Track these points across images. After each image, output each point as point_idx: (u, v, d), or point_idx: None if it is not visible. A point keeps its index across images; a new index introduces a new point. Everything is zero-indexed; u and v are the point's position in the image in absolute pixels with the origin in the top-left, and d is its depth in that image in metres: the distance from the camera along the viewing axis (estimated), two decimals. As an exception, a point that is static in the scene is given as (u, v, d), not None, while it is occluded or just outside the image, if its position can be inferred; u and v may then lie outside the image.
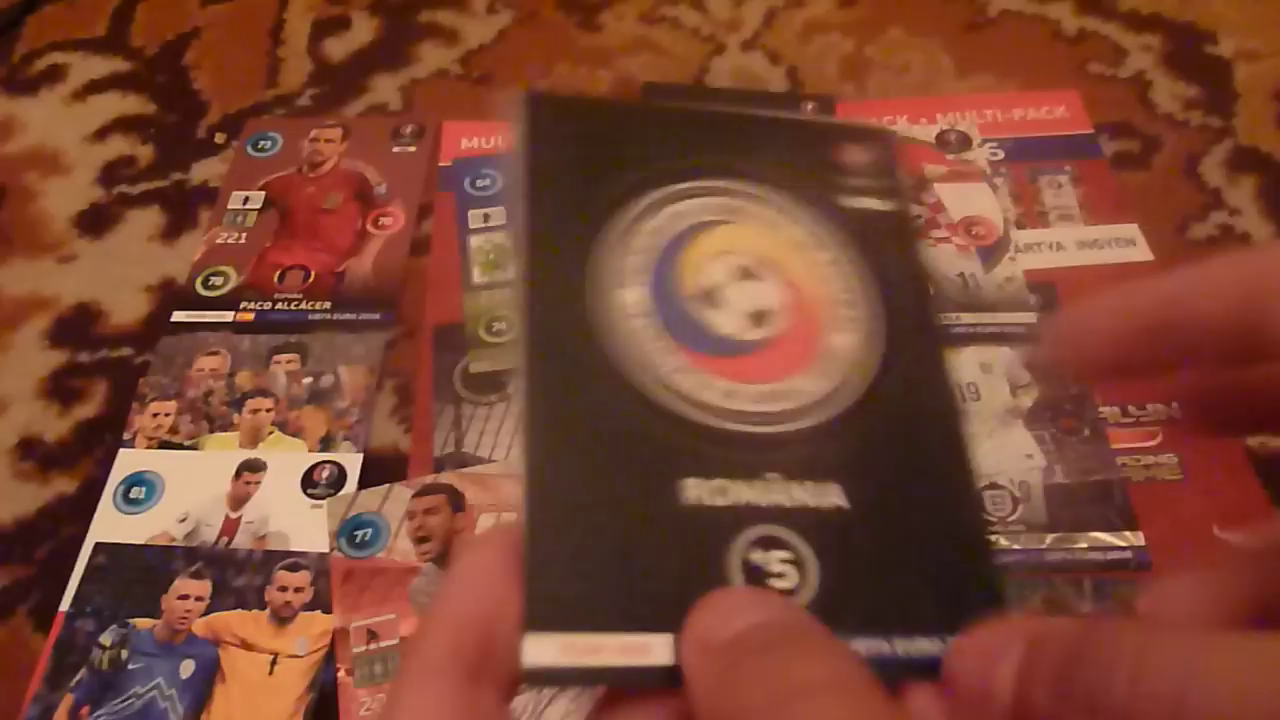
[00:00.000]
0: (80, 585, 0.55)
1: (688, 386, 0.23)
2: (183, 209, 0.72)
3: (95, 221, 0.72)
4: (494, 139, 0.74)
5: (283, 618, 0.54)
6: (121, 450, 0.60)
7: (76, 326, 0.66)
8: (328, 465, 0.59)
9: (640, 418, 0.22)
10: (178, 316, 0.66)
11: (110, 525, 0.58)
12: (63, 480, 0.60)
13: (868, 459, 0.23)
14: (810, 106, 0.74)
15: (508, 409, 0.60)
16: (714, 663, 0.19)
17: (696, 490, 0.22)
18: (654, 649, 0.20)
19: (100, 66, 0.82)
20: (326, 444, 0.60)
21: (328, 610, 0.54)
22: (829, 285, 0.26)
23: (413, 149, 0.74)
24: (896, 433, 0.24)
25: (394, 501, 0.57)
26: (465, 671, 0.20)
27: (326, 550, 0.56)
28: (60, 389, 0.64)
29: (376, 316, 0.65)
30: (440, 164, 0.73)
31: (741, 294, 0.25)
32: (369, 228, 0.70)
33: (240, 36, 0.83)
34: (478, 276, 0.66)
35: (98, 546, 0.57)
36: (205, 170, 0.74)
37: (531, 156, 0.24)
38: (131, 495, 0.59)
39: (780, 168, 0.26)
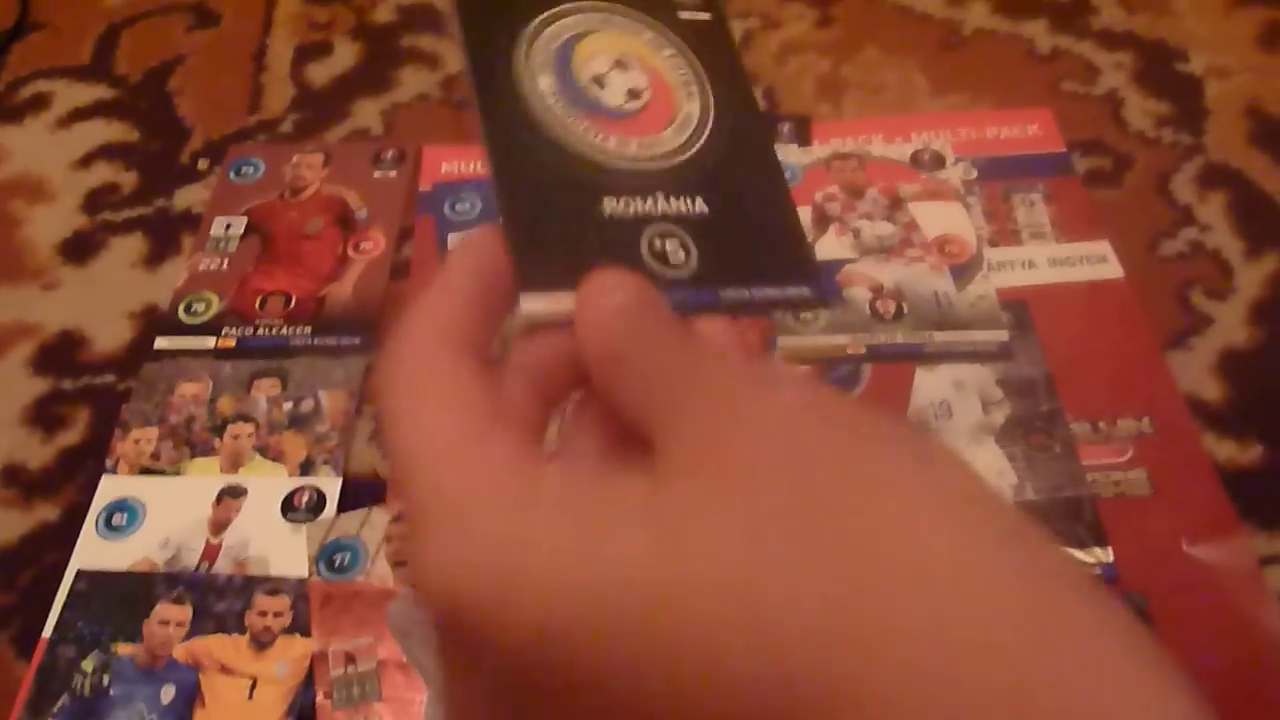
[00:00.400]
0: (62, 611, 0.56)
1: (594, 140, 0.34)
2: (166, 235, 0.73)
3: (79, 248, 0.72)
4: (474, 164, 0.75)
5: (262, 642, 0.55)
6: (104, 477, 0.61)
7: (60, 354, 0.67)
8: (308, 490, 0.60)
9: (567, 162, 0.33)
10: (160, 343, 0.67)
11: (92, 552, 0.58)
12: (45, 507, 0.61)
13: (717, 179, 0.34)
14: (786, 127, 0.75)
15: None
16: (603, 320, 0.26)
17: (611, 205, 0.32)
18: None
19: (84, 94, 0.83)
20: (306, 468, 0.61)
21: (307, 634, 0.54)
22: (675, 72, 0.37)
23: (393, 174, 0.75)
24: (734, 161, 0.35)
25: (372, 525, 0.58)
26: (480, 293, 0.27)
27: (306, 575, 0.56)
28: (44, 416, 0.64)
29: (357, 341, 0.66)
30: (421, 189, 0.74)
31: (619, 78, 0.37)
32: (350, 253, 0.70)
33: (223, 62, 0.84)
34: (456, 300, 0.67)
35: (80, 573, 0.57)
36: (188, 196, 0.75)
37: (461, 5, 0.35)
38: (113, 522, 0.59)
39: None
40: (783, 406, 0.24)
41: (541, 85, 0.35)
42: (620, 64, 0.37)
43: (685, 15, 0.39)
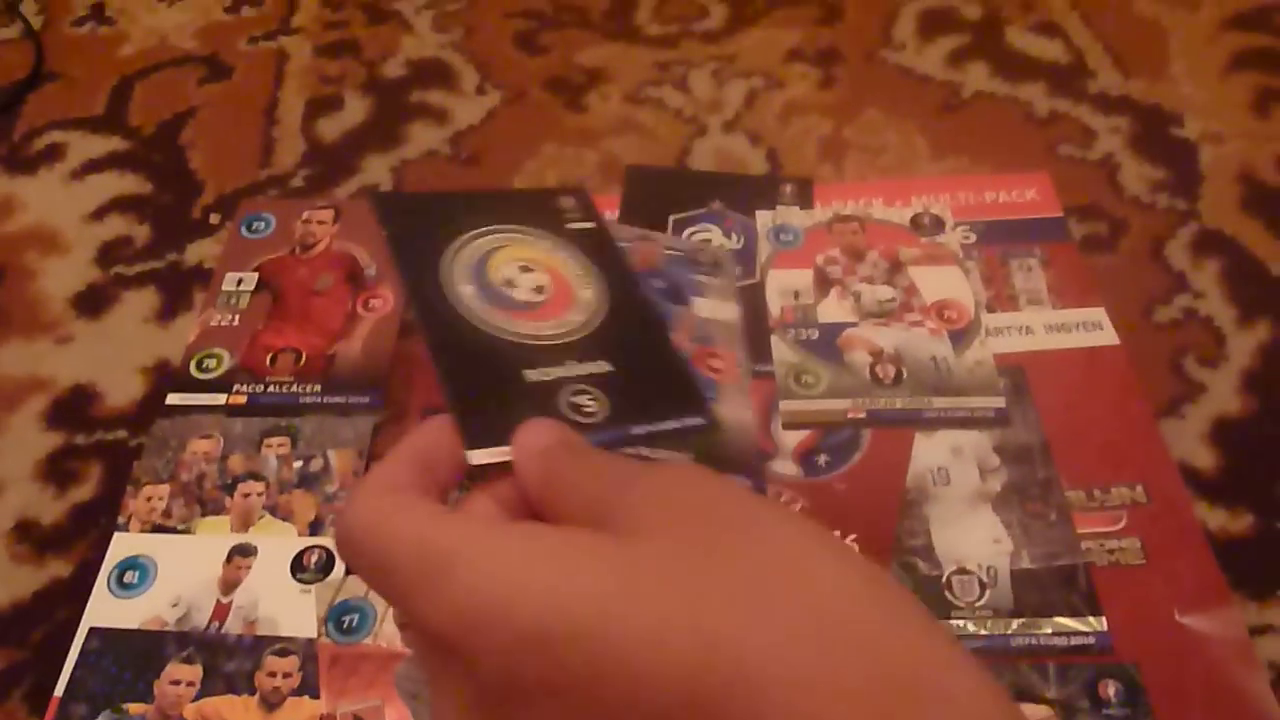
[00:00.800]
0: (74, 670, 0.57)
1: (510, 327, 0.43)
2: (178, 290, 0.74)
3: (92, 302, 0.74)
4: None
5: (272, 703, 0.55)
6: (116, 534, 0.62)
7: (73, 408, 0.68)
8: (317, 550, 0.61)
9: (493, 344, 0.42)
10: (172, 399, 0.68)
11: (104, 609, 0.59)
12: (58, 563, 0.62)
13: (615, 344, 0.43)
14: (788, 189, 0.77)
15: (492, 493, 0.62)
16: (536, 459, 0.35)
17: (532, 375, 0.41)
18: None
19: (98, 146, 0.84)
20: (315, 528, 0.62)
21: (316, 695, 0.55)
22: (570, 269, 0.48)
23: (402, 230, 0.76)
24: (625, 327, 0.45)
25: (381, 586, 0.59)
26: (416, 478, 0.34)
27: (315, 635, 0.57)
28: (57, 471, 0.65)
29: (366, 400, 0.67)
30: (429, 246, 0.75)
31: (526, 278, 0.47)
32: (359, 310, 0.72)
33: (235, 116, 0.86)
34: (464, 360, 0.68)
35: (92, 631, 0.58)
36: (200, 251, 0.76)
37: (391, 230, 0.47)
38: (125, 579, 0.60)
39: (530, 215, 0.50)
40: (683, 480, 0.32)
41: (464, 291, 0.45)
42: (526, 268, 0.48)
43: (573, 226, 0.52)
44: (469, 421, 0.37)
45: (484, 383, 0.41)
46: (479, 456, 0.36)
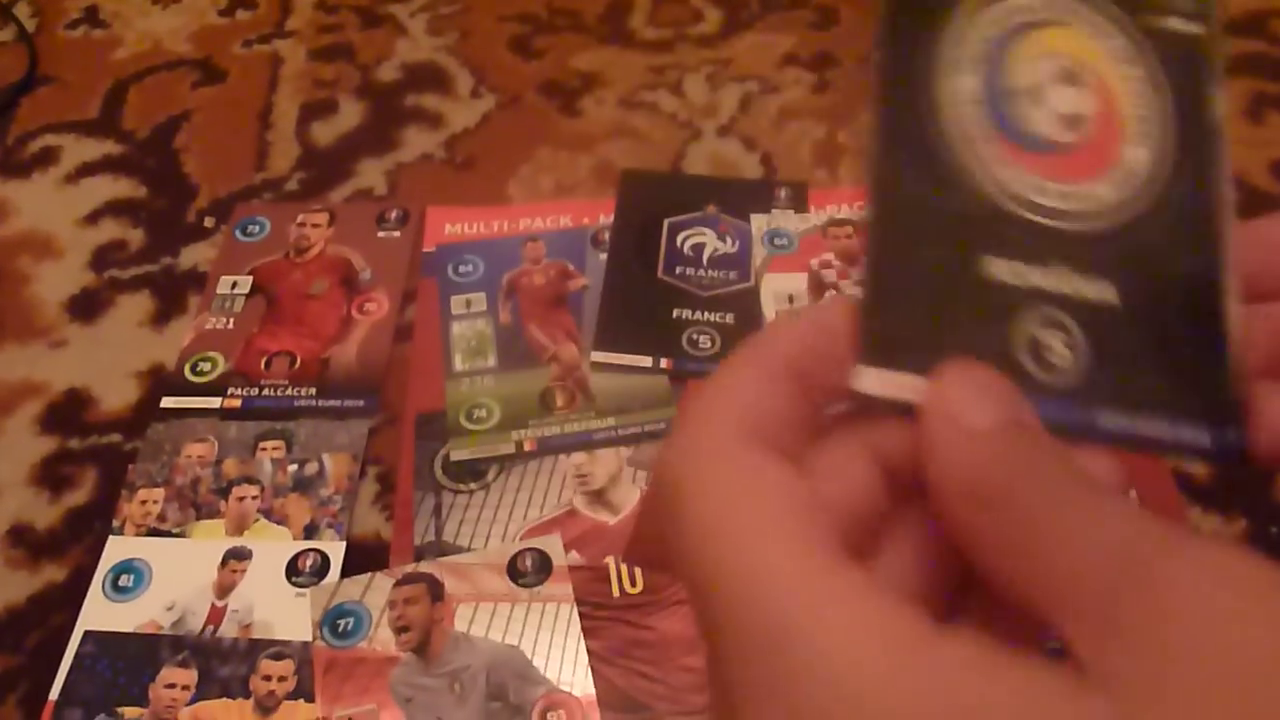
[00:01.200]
0: (69, 674, 0.57)
1: (1003, 176, 0.26)
2: (172, 294, 0.74)
3: (86, 306, 0.74)
4: (477, 225, 0.76)
5: (266, 707, 0.55)
6: (111, 538, 0.62)
7: (67, 413, 0.68)
8: (311, 554, 0.61)
9: (960, 196, 0.26)
10: (167, 403, 0.68)
11: (99, 613, 0.59)
12: (52, 568, 0.61)
13: (1141, 266, 0.26)
14: (783, 193, 0.77)
15: (485, 498, 0.62)
16: (976, 446, 0.21)
17: (996, 267, 0.25)
18: None
19: (92, 149, 0.84)
20: (310, 532, 0.62)
21: (311, 699, 0.55)
22: (1134, 99, 0.28)
23: (397, 234, 0.76)
24: (1167, 250, 0.26)
25: (375, 591, 0.59)
26: (792, 373, 0.23)
27: (309, 639, 0.57)
28: (51, 476, 0.65)
29: (360, 403, 0.67)
30: (424, 249, 0.75)
31: (1060, 97, 0.28)
32: (354, 314, 0.72)
33: (229, 119, 0.86)
34: (459, 364, 0.68)
35: (87, 635, 0.58)
36: (194, 255, 0.76)
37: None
38: (120, 583, 0.60)
39: None
40: (1243, 618, 0.18)
41: (963, 84, 0.28)
42: (1069, 76, 0.29)
43: (1172, 24, 0.30)
44: (877, 312, 0.24)
45: (922, 256, 0.26)
46: (873, 381, 0.24)
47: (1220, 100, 0.28)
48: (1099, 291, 0.26)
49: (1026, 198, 0.26)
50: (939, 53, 0.27)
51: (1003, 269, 0.25)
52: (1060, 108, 0.28)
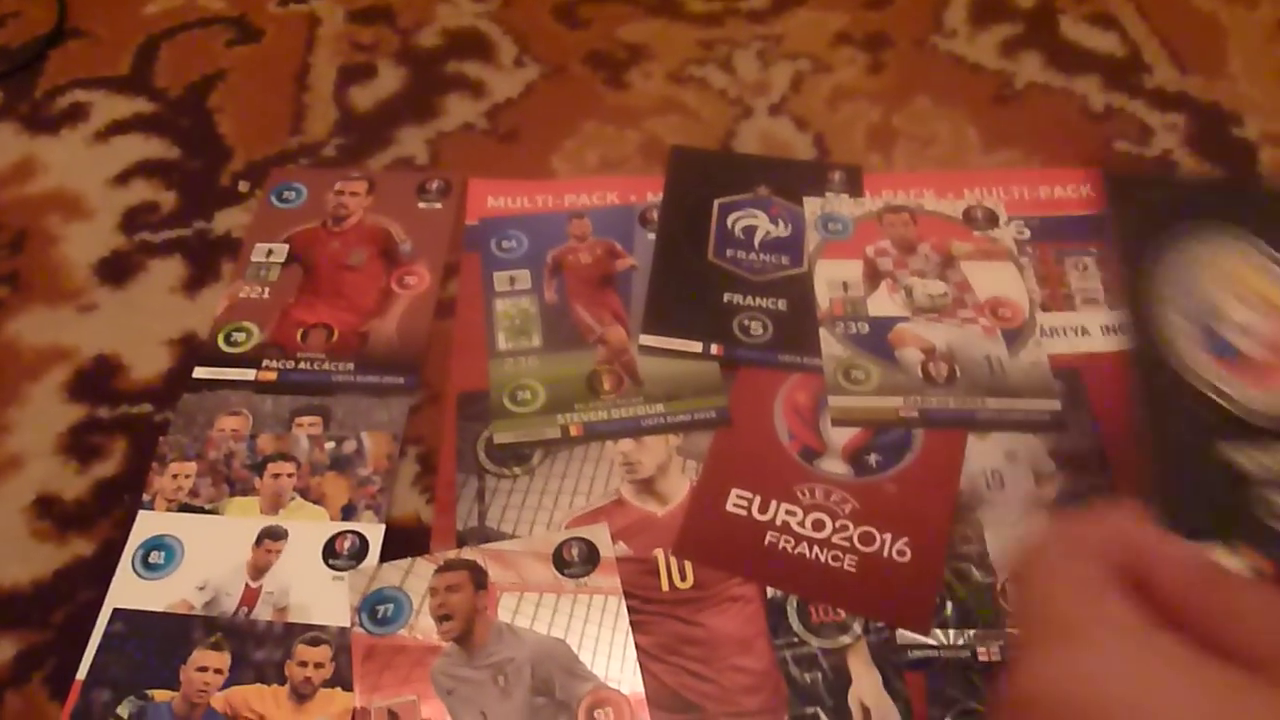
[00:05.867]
0: (97, 653, 0.55)
1: (1215, 380, 0.36)
2: (205, 260, 0.72)
3: (116, 270, 0.71)
4: (521, 199, 0.74)
5: (302, 694, 0.54)
6: (141, 512, 0.60)
7: (96, 380, 0.66)
8: (350, 535, 0.59)
9: (1192, 399, 0.36)
10: (199, 373, 0.65)
11: (128, 590, 0.57)
12: (80, 542, 0.59)
13: None
14: (837, 177, 0.74)
15: (530, 483, 0.60)
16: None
17: (1228, 451, 0.35)
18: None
19: (123, 107, 0.82)
20: (348, 513, 0.60)
21: (348, 688, 0.53)
22: None
23: (438, 206, 0.74)
24: None
25: (416, 576, 0.57)
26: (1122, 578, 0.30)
27: (347, 625, 0.55)
28: (79, 445, 0.63)
29: (400, 380, 0.65)
30: (466, 222, 0.73)
31: (1256, 323, 0.38)
32: (393, 287, 0.69)
33: (265, 81, 0.83)
34: (503, 343, 0.66)
35: (116, 613, 0.56)
36: (228, 220, 0.74)
37: (1119, 225, 0.40)
38: (150, 560, 0.58)
39: None
40: None
41: (1169, 315, 0.39)
42: (1260, 306, 0.39)
43: None
44: (1168, 515, 0.31)
45: (1179, 450, 0.37)
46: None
47: None
48: None
49: (1241, 401, 0.36)
50: (1153, 280, 0.38)
51: (1231, 451, 0.35)
52: (1260, 330, 0.38)
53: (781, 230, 0.71)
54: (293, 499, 0.60)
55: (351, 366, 0.65)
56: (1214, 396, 0.33)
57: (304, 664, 0.54)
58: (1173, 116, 0.79)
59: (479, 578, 0.56)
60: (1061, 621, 0.30)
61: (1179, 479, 0.32)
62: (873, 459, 0.61)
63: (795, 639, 0.55)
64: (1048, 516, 0.59)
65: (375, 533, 0.59)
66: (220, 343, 0.67)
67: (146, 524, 0.59)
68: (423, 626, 0.55)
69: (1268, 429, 0.33)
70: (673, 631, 0.55)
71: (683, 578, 0.57)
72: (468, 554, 0.57)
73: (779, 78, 0.82)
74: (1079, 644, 0.29)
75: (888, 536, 0.58)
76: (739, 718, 0.52)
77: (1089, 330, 0.66)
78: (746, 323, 0.66)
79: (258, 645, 0.55)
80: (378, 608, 0.56)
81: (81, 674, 0.54)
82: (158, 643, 0.55)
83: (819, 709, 0.52)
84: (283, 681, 0.54)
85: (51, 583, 0.58)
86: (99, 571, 0.58)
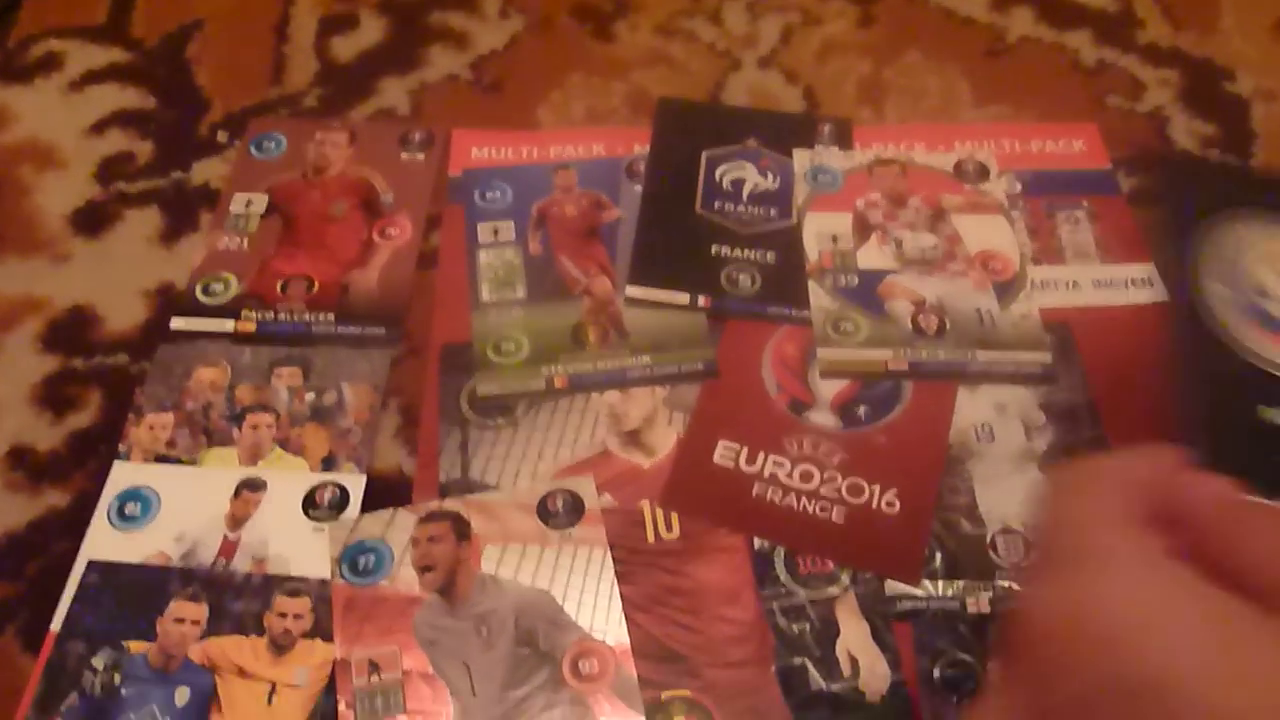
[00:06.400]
0: (72, 605, 0.54)
1: (1258, 348, 0.40)
2: (183, 210, 0.70)
3: (91, 220, 0.70)
4: (506, 150, 0.72)
5: (281, 645, 0.53)
6: (116, 463, 0.59)
7: (71, 331, 0.64)
8: (330, 487, 0.58)
9: (1238, 365, 0.39)
10: (176, 324, 0.64)
11: (104, 542, 0.56)
12: (54, 493, 0.58)
13: None
14: (827, 129, 0.73)
15: (514, 435, 0.59)
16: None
17: (1269, 413, 0.37)
18: None
19: (98, 56, 0.80)
20: (329, 464, 0.59)
21: (328, 639, 0.53)
22: None
23: (421, 157, 0.72)
24: None
25: (398, 528, 0.56)
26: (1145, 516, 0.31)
27: (328, 576, 0.54)
28: (53, 396, 0.62)
29: (381, 332, 0.64)
30: (450, 174, 0.71)
31: None
32: (375, 238, 0.68)
33: (244, 31, 0.81)
34: (487, 294, 0.65)
35: (90, 565, 0.55)
36: (206, 170, 0.72)
37: (1175, 214, 0.46)
38: (126, 511, 0.57)
39: None
40: None
41: (1214, 289, 0.44)
42: None
43: None
44: (1209, 459, 0.34)
45: (1219, 411, 0.41)
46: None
47: None
48: None
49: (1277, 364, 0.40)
50: (1193, 260, 0.42)
51: (1272, 414, 0.38)
52: None
53: (770, 183, 0.70)
54: (272, 450, 0.59)
55: (332, 318, 0.64)
56: (1258, 364, 0.37)
57: (283, 615, 0.53)
58: (1165, 72, 0.78)
59: (462, 529, 0.56)
60: (1078, 549, 0.30)
61: (1222, 439, 0.35)
62: (861, 411, 0.60)
63: (783, 590, 0.54)
64: (1044, 467, 0.58)
65: (356, 484, 0.58)
66: (198, 294, 0.65)
67: (122, 475, 0.58)
68: (404, 578, 0.54)
69: None
70: (659, 582, 0.54)
71: (669, 529, 0.56)
72: (450, 505, 0.56)
73: (768, 30, 0.81)
74: (1092, 570, 0.29)
75: (876, 488, 0.57)
76: (725, 668, 0.52)
77: (1080, 284, 0.66)
78: (735, 275, 0.65)
79: (236, 596, 0.54)
80: (359, 559, 0.55)
81: (55, 626, 0.53)
82: (134, 594, 0.54)
83: (806, 659, 0.52)
84: (262, 633, 0.53)
85: (25, 535, 0.57)
86: (74, 523, 0.57)
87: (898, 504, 0.57)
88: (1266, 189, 0.44)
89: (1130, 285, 0.65)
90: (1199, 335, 0.40)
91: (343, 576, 0.54)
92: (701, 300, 0.64)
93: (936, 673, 0.51)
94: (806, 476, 0.58)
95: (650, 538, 0.56)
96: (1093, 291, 0.65)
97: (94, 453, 0.59)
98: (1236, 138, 0.74)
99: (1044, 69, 0.79)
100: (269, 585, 0.54)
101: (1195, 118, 0.75)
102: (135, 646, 0.53)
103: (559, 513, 0.56)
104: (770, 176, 0.71)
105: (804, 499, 0.57)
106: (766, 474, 0.58)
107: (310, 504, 0.57)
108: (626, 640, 0.52)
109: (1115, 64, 0.79)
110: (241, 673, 0.52)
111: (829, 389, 0.61)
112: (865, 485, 0.57)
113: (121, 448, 0.59)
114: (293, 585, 0.54)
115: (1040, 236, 0.68)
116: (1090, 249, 0.67)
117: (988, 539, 0.56)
